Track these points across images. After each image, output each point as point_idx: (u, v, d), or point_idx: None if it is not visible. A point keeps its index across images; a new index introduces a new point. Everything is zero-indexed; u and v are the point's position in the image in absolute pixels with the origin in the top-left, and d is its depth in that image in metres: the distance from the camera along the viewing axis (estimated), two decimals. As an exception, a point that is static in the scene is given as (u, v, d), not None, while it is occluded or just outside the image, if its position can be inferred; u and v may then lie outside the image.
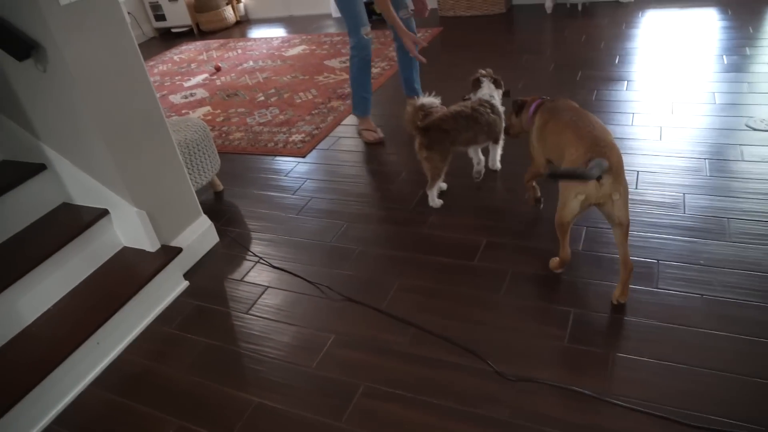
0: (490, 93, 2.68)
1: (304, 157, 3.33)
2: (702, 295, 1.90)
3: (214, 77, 5.04)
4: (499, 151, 2.80)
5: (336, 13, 6.26)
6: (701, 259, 2.04)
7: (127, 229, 2.35)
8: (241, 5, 6.94)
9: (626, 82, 3.50)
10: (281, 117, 3.91)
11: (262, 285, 2.35)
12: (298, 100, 4.14)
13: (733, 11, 4.35)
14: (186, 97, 4.69)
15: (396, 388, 1.77)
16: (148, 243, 2.33)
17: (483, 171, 2.81)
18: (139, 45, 7.13)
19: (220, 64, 5.29)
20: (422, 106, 2.47)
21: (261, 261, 2.49)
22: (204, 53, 5.86)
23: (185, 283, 2.42)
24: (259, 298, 2.28)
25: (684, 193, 2.40)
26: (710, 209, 2.28)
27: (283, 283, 2.34)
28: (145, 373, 2.03)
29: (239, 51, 5.70)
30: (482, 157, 2.81)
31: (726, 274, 1.96)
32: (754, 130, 2.76)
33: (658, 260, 2.07)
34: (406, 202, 2.72)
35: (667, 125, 2.94)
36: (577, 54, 4.08)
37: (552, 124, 2.11)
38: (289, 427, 1.72)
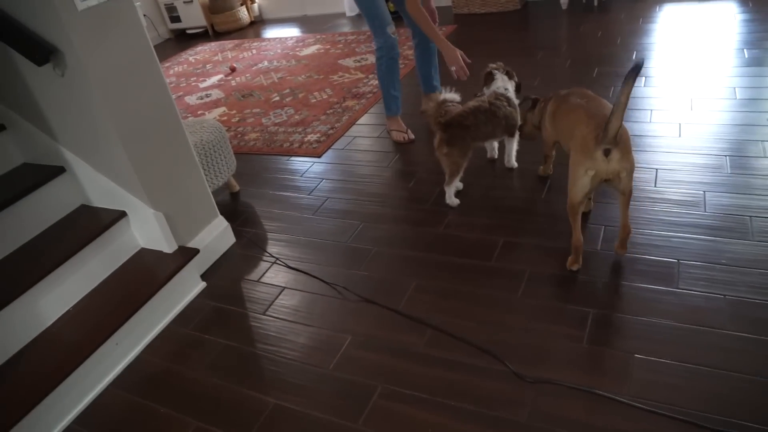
0: (504, 86, 2.68)
1: (319, 157, 3.33)
2: (725, 295, 1.87)
3: (229, 78, 5.06)
4: (514, 147, 2.78)
5: (350, 11, 6.26)
6: (723, 258, 2.01)
7: (145, 230, 2.37)
8: (256, 6, 6.97)
9: (644, 78, 3.45)
10: (296, 117, 3.92)
11: (278, 286, 2.35)
12: (313, 100, 4.14)
13: (754, 3, 4.27)
14: (202, 98, 4.72)
15: (413, 390, 1.77)
16: (166, 244, 2.35)
17: (496, 157, 2.91)
18: (155, 46, 7.15)
19: (235, 65, 5.32)
20: (444, 102, 2.46)
21: (277, 261, 2.49)
22: (219, 54, 5.89)
23: (202, 284, 2.43)
24: (275, 298, 2.28)
25: (704, 191, 2.36)
26: (732, 207, 2.24)
27: (300, 283, 2.34)
28: (163, 373, 2.05)
29: (254, 51, 5.72)
30: (495, 146, 2.89)
31: (750, 274, 1.93)
32: (777, 125, 2.71)
33: (678, 260, 2.04)
34: (422, 201, 2.71)
35: (687, 121, 2.89)
36: (594, 50, 4.04)
37: (564, 106, 2.21)
38: (306, 429, 1.72)
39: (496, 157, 2.91)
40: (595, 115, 1.94)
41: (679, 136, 2.78)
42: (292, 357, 1.99)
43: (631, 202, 2.34)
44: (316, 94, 4.26)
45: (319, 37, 5.73)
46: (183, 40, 6.90)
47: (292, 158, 3.39)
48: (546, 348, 1.82)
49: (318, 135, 3.58)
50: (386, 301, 2.14)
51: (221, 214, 2.66)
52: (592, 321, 1.88)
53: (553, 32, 4.63)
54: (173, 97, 2.34)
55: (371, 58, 4.70)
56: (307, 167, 3.24)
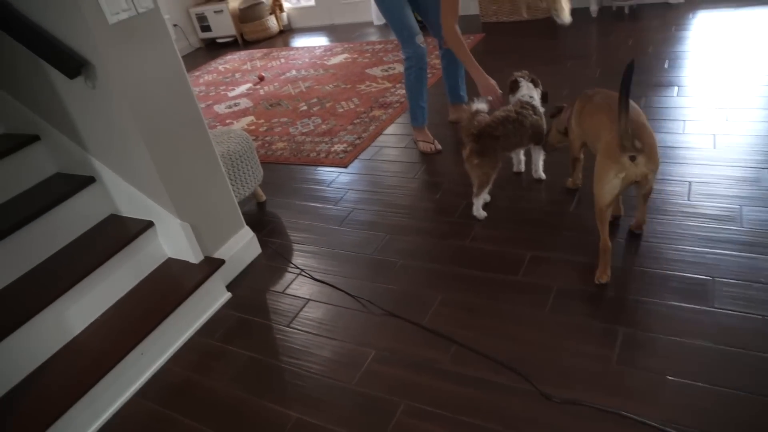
0: (530, 94, 2.65)
1: (346, 167, 3.33)
2: (763, 316, 1.79)
3: (258, 87, 5.11)
4: (541, 156, 2.74)
5: (377, 20, 6.27)
6: (762, 277, 1.94)
7: (172, 240, 2.39)
8: (284, 15, 7.03)
9: (677, 87, 3.37)
10: (323, 126, 3.93)
11: (303, 298, 2.35)
12: (340, 110, 4.15)
13: (793, 11, 4.15)
14: (230, 107, 4.77)
15: (437, 408, 1.74)
16: (192, 255, 2.37)
17: (523, 170, 2.87)
18: (186, 55, 7.24)
19: (263, 74, 5.36)
20: (477, 113, 2.44)
21: (302, 273, 2.49)
22: (248, 63, 5.96)
23: (228, 295, 2.44)
24: (300, 311, 2.28)
25: (741, 206, 2.29)
26: (770, 223, 2.17)
27: (324, 295, 2.33)
28: (187, 384, 2.06)
29: (282, 60, 5.77)
30: (522, 159, 2.86)
31: (788, 294, 1.86)
32: (817, 137, 2.62)
33: (713, 277, 1.98)
34: (448, 213, 2.68)
35: (722, 133, 2.81)
36: (624, 59, 3.94)
37: (589, 107, 2.22)
38: (329, 445, 1.71)
39: (523, 170, 2.86)
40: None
41: (714, 147, 2.71)
42: (316, 371, 1.98)
43: (663, 217, 2.29)
44: (343, 103, 4.26)
45: (346, 46, 5.75)
46: (213, 48, 7.00)
47: (319, 168, 3.39)
48: (574, 367, 1.78)
49: (344, 145, 3.58)
50: (411, 315, 2.12)
51: (247, 223, 2.67)
52: (622, 340, 1.83)
53: (583, 41, 4.56)
54: (201, 106, 2.36)
55: (399, 68, 4.70)
56: (333, 177, 3.24)
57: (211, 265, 2.37)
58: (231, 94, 5.11)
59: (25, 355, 2.00)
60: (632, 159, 1.87)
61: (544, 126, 2.65)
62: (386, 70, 4.75)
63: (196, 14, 6.94)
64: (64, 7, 1.90)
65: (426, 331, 2.04)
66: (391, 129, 3.69)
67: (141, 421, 1.95)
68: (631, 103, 2.03)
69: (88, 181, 2.38)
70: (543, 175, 2.77)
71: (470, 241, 2.45)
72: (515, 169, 2.87)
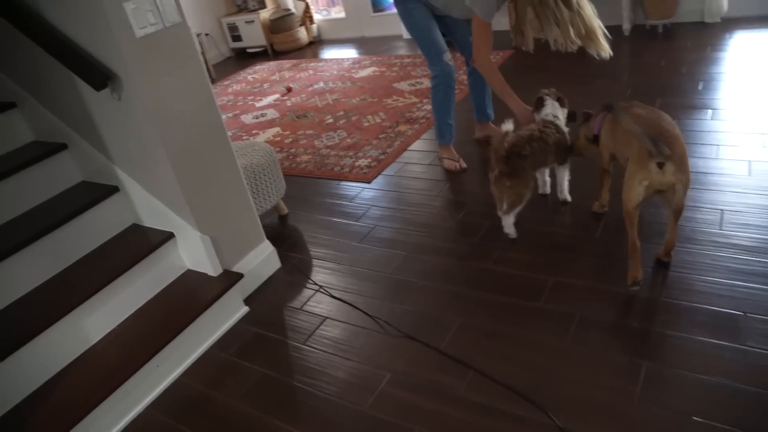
0: (554, 113, 2.62)
1: (369, 182, 3.31)
2: (796, 356, 1.72)
3: (285, 98, 5.14)
4: (566, 176, 2.68)
5: (407, 34, 6.26)
6: (795, 314, 1.86)
7: (191, 252, 2.39)
8: (314, 26, 7.08)
9: (711, 110, 3.28)
10: (348, 140, 3.92)
11: (320, 315, 2.32)
12: (366, 124, 4.14)
13: (835, 34, 4.02)
14: (257, 117, 4.80)
15: (451, 437, 1.69)
16: (211, 267, 2.36)
17: (548, 192, 2.82)
18: (216, 64, 7.31)
19: (291, 85, 5.39)
20: (507, 134, 2.41)
21: (321, 290, 2.47)
22: (276, 73, 6.00)
23: (245, 309, 2.43)
24: (317, 329, 2.25)
25: (775, 237, 2.20)
26: (806, 257, 2.08)
27: (342, 314, 2.31)
28: (200, 398, 2.04)
29: (310, 71, 5.80)
30: (547, 181, 2.82)
31: (824, 333, 1.77)
32: None
33: (745, 313, 1.90)
34: (471, 234, 2.64)
35: (757, 159, 2.72)
36: (656, 79, 3.88)
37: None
38: (339, 470, 1.68)
39: (548, 192, 2.81)
40: (651, 127, 1.98)
41: (749, 174, 2.62)
42: (329, 392, 1.95)
43: (693, 246, 2.21)
44: (369, 117, 4.26)
45: (375, 59, 5.75)
46: (243, 58, 7.08)
47: (342, 183, 3.38)
48: (594, 400, 1.72)
49: (369, 160, 3.57)
50: (428, 339, 2.08)
51: (268, 237, 2.67)
52: (645, 374, 1.76)
53: (614, 60, 4.44)
54: (229, 116, 2.36)
55: (426, 82, 4.68)
56: (356, 192, 3.23)
57: (230, 278, 2.37)
58: (258, 104, 5.14)
59: (44, 362, 2.01)
60: (660, 166, 1.88)
61: (567, 143, 2.60)
62: (413, 85, 4.74)
63: (228, 24, 7.04)
64: (94, 21, 1.92)
65: (443, 355, 1.99)
66: (416, 145, 3.67)
67: (153, 434, 1.94)
68: (664, 114, 2.08)
69: (113, 190, 2.40)
70: (569, 197, 2.71)
71: (492, 264, 2.41)
72: (540, 191, 2.81)
